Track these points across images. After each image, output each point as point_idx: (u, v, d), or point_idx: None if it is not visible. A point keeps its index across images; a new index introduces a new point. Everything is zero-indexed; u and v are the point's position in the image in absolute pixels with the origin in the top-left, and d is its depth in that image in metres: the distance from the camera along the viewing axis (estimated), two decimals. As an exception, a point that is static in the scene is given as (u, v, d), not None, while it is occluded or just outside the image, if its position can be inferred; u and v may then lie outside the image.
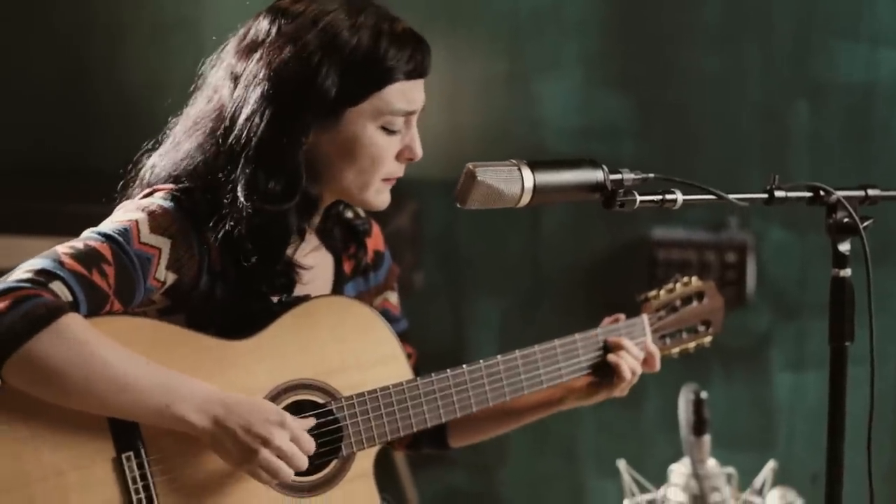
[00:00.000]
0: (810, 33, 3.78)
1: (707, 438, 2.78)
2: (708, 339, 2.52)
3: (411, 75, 2.07)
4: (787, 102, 3.82)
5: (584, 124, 3.91)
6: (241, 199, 2.00)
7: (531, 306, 4.01)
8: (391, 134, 2.08)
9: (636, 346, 2.36)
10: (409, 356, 2.30)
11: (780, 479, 2.98)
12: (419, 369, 2.27)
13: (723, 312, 2.54)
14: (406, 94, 2.07)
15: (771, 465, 2.99)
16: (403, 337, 2.31)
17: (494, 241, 4.01)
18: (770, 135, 3.84)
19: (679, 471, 2.91)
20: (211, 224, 2.02)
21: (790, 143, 3.83)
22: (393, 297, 2.40)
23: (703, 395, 2.76)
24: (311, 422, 2.03)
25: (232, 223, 2.01)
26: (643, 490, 3.00)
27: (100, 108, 4.12)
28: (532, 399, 2.37)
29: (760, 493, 2.97)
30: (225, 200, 2.01)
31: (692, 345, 2.50)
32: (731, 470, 2.96)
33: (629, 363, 2.33)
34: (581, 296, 3.96)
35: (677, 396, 2.77)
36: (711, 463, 2.85)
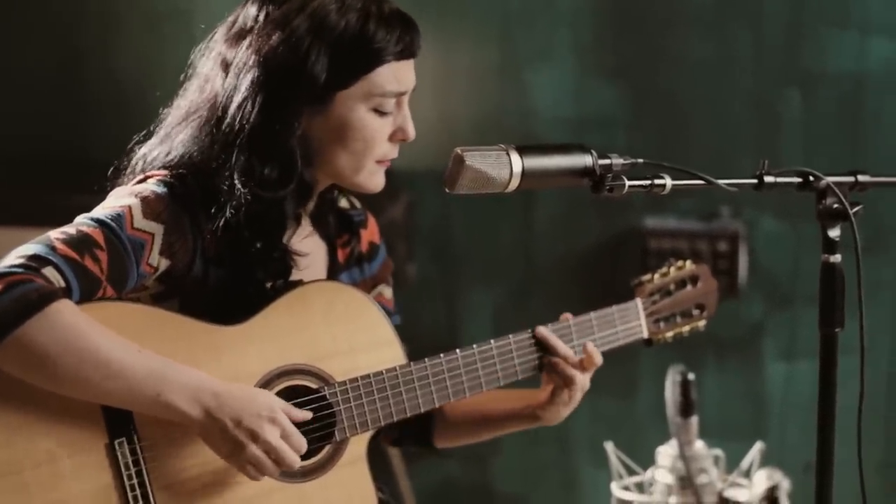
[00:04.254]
0: (801, 21, 3.79)
1: (694, 420, 2.78)
2: (702, 322, 2.52)
3: (401, 56, 2.07)
4: (778, 90, 3.83)
5: (576, 113, 3.91)
6: (238, 186, 2.00)
7: (524, 296, 4.02)
8: (383, 115, 2.08)
9: (569, 348, 2.29)
10: None
11: (770, 466, 2.99)
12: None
13: (717, 295, 2.54)
14: (396, 76, 2.07)
15: (758, 446, 3.00)
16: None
17: (487, 231, 4.01)
18: (762, 123, 3.85)
19: (666, 452, 2.91)
20: (210, 211, 2.02)
21: (782, 130, 3.84)
22: (388, 292, 2.40)
23: (691, 376, 2.77)
24: (308, 414, 2.02)
25: (231, 211, 2.01)
26: (631, 472, 3.01)
27: (93, 97, 4.11)
28: (507, 408, 2.36)
29: (748, 474, 2.97)
30: (223, 187, 2.01)
31: (686, 328, 2.49)
32: (718, 452, 2.96)
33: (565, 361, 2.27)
34: (574, 286, 3.96)
35: (685, 381, 2.77)
36: (699, 445, 2.86)
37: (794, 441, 3.90)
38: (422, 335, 3.74)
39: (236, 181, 2.01)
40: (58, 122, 4.14)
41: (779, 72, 3.82)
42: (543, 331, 2.28)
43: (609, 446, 3.02)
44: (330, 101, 2.05)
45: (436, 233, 4.04)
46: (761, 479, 2.86)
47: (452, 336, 4.02)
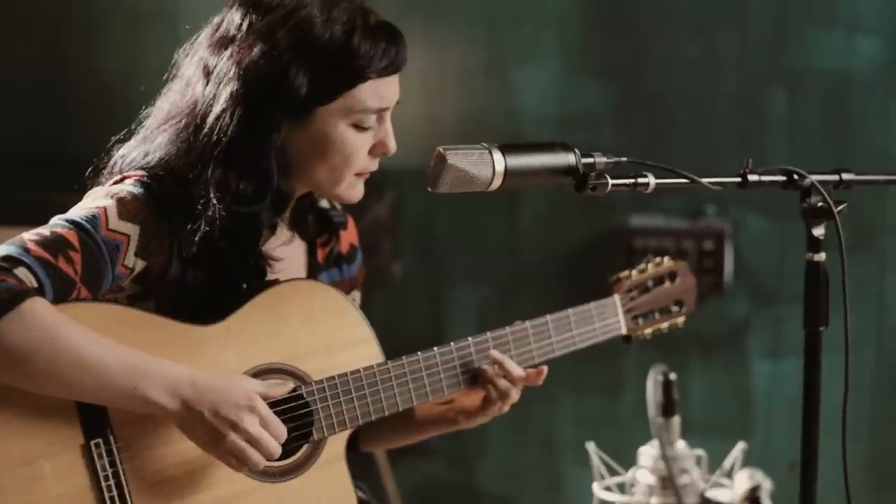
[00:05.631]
0: (787, 20, 3.78)
1: (677, 420, 2.78)
2: (681, 318, 2.51)
3: (384, 72, 2.04)
4: (764, 89, 3.82)
5: (562, 113, 3.91)
6: (214, 201, 1.98)
7: (509, 295, 4.01)
8: (363, 131, 2.06)
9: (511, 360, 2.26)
10: None
11: (756, 465, 2.99)
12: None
13: (696, 291, 2.53)
14: (379, 92, 2.05)
15: (741, 446, 2.99)
16: None
17: (473, 230, 4.01)
18: (747, 122, 3.85)
19: (648, 453, 2.90)
20: (187, 225, 2.00)
21: (767, 130, 3.84)
22: (358, 299, 2.38)
23: (672, 376, 2.76)
24: (285, 389, 2.02)
25: (206, 227, 1.99)
26: (613, 473, 3.00)
27: (77, 96, 4.10)
28: (431, 410, 2.34)
29: (730, 475, 2.97)
30: (199, 200, 1.99)
31: (665, 325, 2.49)
32: (700, 452, 2.96)
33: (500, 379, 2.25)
34: (559, 284, 3.96)
35: (667, 381, 2.76)
36: (681, 445, 2.85)
37: (780, 439, 3.90)
38: (407, 333, 3.74)
39: (212, 196, 1.98)
40: (42, 122, 4.12)
41: (764, 71, 3.82)
42: (495, 354, 2.25)
43: (591, 447, 3.01)
44: (310, 115, 2.03)
45: (421, 231, 4.03)
46: (743, 480, 2.86)
47: (437, 334, 4.00)
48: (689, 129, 3.87)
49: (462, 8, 3.92)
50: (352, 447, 2.36)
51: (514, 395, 2.26)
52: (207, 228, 1.99)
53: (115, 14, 4.07)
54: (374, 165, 2.12)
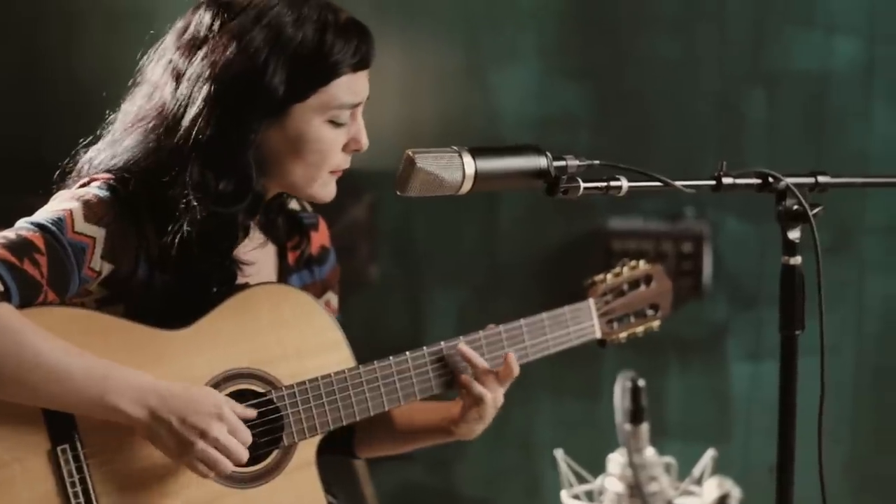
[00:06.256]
0: (766, 21, 3.78)
1: (645, 427, 2.76)
2: (657, 322, 2.49)
3: (357, 67, 2.05)
4: (743, 91, 3.82)
5: (541, 114, 3.90)
6: (194, 202, 1.97)
7: (488, 298, 4.00)
8: (338, 127, 2.06)
9: (481, 359, 2.23)
10: None
11: (735, 469, 2.98)
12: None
13: (671, 295, 2.52)
14: (352, 87, 2.05)
15: (710, 454, 2.98)
16: None
17: (451, 232, 4.00)
18: (726, 123, 3.85)
19: (617, 460, 2.89)
20: (157, 215, 1.99)
21: (746, 130, 3.83)
22: (334, 300, 2.37)
23: (641, 382, 2.74)
24: (252, 413, 2.00)
25: (187, 228, 1.98)
26: (582, 480, 2.98)
27: (55, 97, 4.07)
28: (427, 420, 2.32)
29: (699, 482, 2.95)
30: (179, 201, 1.97)
31: (640, 329, 2.47)
32: (670, 459, 2.94)
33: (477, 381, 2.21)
34: (538, 287, 3.95)
35: (636, 388, 2.75)
36: (650, 452, 2.83)
37: (760, 442, 3.89)
38: (385, 336, 3.73)
39: (191, 197, 1.97)
40: (18, 123, 4.10)
41: (743, 72, 3.82)
42: (464, 348, 2.22)
43: (559, 454, 3.00)
44: (286, 113, 2.02)
45: (399, 233, 4.02)
46: (712, 488, 2.85)
47: (416, 337, 3.99)
48: (669, 130, 3.87)
49: (439, 9, 3.91)
50: (348, 452, 2.37)
51: (490, 397, 2.21)
52: (188, 229, 1.98)
53: (92, 14, 4.06)
54: (346, 163, 2.12)
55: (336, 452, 2.36)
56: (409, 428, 2.35)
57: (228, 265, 2.08)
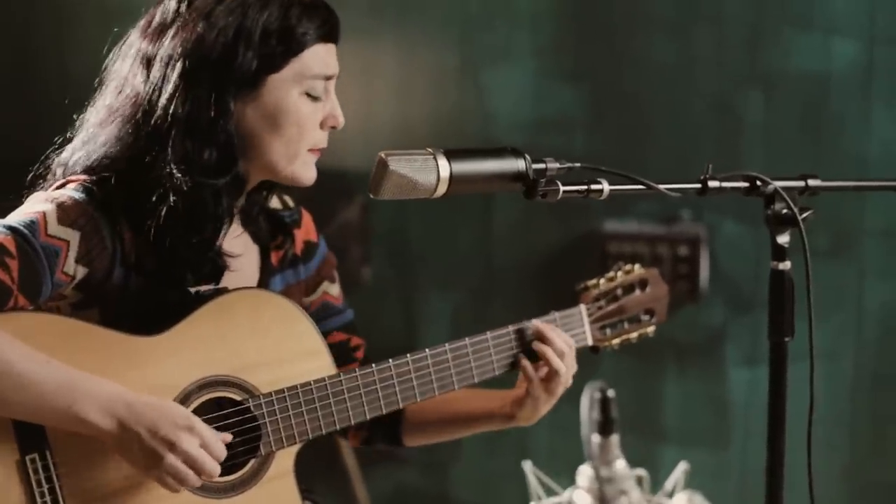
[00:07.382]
0: (764, 23, 3.76)
1: (615, 438, 2.72)
2: (651, 328, 2.44)
3: (326, 38, 2.08)
4: (740, 92, 3.79)
5: (536, 116, 3.88)
6: (177, 174, 1.96)
7: (483, 301, 3.98)
8: (314, 100, 2.07)
9: (561, 338, 2.25)
10: (357, 347, 2.28)
11: (733, 474, 2.94)
12: (371, 361, 2.20)
13: (667, 300, 2.46)
14: (323, 58, 2.07)
15: (682, 467, 2.94)
16: (351, 327, 2.29)
17: (445, 235, 3.98)
18: (723, 125, 3.82)
19: (586, 472, 2.84)
20: (135, 215, 1.97)
21: (744, 133, 3.80)
22: (333, 289, 2.34)
23: (610, 393, 2.70)
24: (228, 437, 1.97)
25: (172, 200, 1.96)
26: (550, 493, 2.95)
27: (48, 97, 4.05)
28: (481, 406, 2.31)
29: (671, 495, 2.92)
30: (163, 175, 1.97)
31: (634, 335, 2.42)
32: (641, 472, 2.90)
33: (557, 348, 2.24)
34: (533, 290, 3.93)
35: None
36: (621, 465, 2.78)
37: (758, 447, 3.85)
38: (378, 339, 3.69)
39: (174, 169, 1.97)
40: (9, 122, 4.08)
41: (741, 73, 3.79)
42: (541, 325, 2.25)
43: (527, 466, 2.96)
44: (262, 85, 2.03)
45: (393, 235, 4.00)
46: (681, 502, 2.81)
47: (410, 340, 3.97)
48: (665, 132, 3.84)
49: (434, 10, 3.89)
50: (393, 440, 2.36)
51: (565, 370, 2.22)
52: (174, 200, 1.96)
53: (84, 11, 4.04)
54: (324, 141, 2.12)
55: (383, 442, 2.36)
56: (466, 416, 2.32)
57: (213, 257, 2.06)
